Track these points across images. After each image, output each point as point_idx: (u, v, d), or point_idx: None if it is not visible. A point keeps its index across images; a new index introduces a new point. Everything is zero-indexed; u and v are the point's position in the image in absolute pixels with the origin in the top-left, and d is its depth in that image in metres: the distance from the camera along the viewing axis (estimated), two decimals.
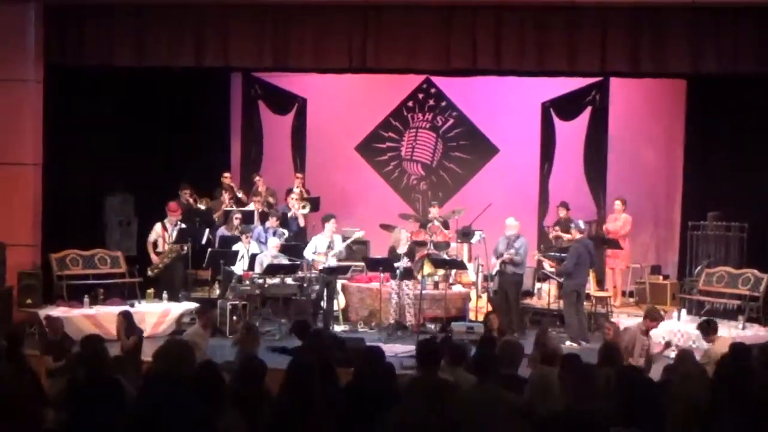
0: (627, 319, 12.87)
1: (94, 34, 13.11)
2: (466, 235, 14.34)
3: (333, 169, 16.62)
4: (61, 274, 12.93)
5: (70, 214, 13.91)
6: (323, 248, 13.38)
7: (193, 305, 13.08)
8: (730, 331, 11.61)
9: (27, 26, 12.91)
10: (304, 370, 6.04)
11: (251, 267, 13.32)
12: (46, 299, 12.69)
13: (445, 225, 14.82)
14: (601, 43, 12.52)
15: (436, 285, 13.81)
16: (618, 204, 14.64)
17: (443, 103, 16.54)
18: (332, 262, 13.30)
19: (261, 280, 13.05)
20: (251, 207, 15.02)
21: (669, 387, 6.94)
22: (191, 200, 14.81)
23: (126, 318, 10.19)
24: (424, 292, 13.15)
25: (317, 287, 13.31)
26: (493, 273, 13.23)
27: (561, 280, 12.93)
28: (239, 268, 13.45)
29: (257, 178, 15.55)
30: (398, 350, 11.44)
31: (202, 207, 14.88)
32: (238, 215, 14.48)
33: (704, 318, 11.09)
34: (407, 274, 13.10)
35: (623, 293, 14.92)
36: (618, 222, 14.51)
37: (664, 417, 6.30)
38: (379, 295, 13.28)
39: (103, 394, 6.01)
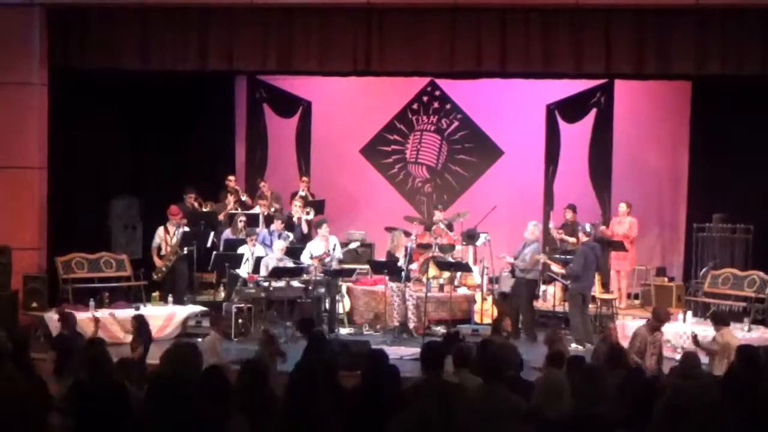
0: (632, 321, 12.85)
1: (99, 37, 13.13)
2: (470, 237, 14.34)
3: (338, 172, 16.63)
4: (67, 277, 12.96)
5: (76, 218, 13.93)
6: (318, 253, 13.41)
7: (199, 308, 13.10)
8: (735, 333, 11.60)
9: (32, 30, 12.94)
10: (308, 374, 6.04)
11: (256, 270, 13.33)
12: (52, 303, 12.69)
13: (450, 227, 14.82)
14: (606, 45, 12.53)
15: (441, 287, 13.82)
16: (623, 207, 14.60)
17: (448, 106, 16.54)
18: (332, 265, 13.35)
19: (266, 283, 13.05)
20: (256, 210, 15.02)
21: (670, 388, 6.92)
22: (196, 204, 14.82)
23: (137, 323, 10.11)
24: (429, 294, 13.15)
25: (322, 290, 13.33)
26: (497, 274, 13.23)
27: (567, 282, 12.92)
28: (244, 271, 13.47)
29: (262, 184, 15.55)
30: (403, 353, 11.43)
31: (206, 210, 14.90)
32: (243, 218, 14.49)
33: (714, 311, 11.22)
34: (407, 277, 13.13)
35: (628, 295, 14.89)
36: (624, 225, 14.48)
37: (665, 418, 6.28)
38: (383, 297, 13.28)
39: (106, 398, 6.01)
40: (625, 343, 10.24)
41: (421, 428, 5.64)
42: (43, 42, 13.02)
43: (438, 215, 14.82)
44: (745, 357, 7.42)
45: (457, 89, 16.32)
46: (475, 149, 16.48)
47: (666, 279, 14.90)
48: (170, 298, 13.20)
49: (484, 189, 16.27)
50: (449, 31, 12.72)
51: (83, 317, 12.15)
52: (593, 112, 15.78)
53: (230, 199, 15.15)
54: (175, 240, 13.67)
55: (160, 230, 13.80)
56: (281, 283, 13.13)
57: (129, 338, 10.28)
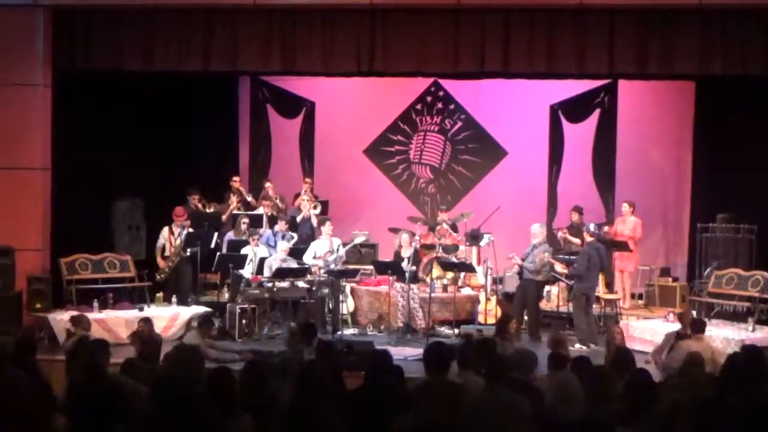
0: (636, 321, 12.85)
1: (103, 38, 13.13)
2: (474, 238, 14.34)
3: (341, 173, 16.63)
4: (71, 278, 12.96)
5: (79, 219, 13.93)
6: (322, 252, 13.41)
7: (203, 309, 13.10)
8: (739, 333, 11.59)
9: (35, 31, 12.93)
10: (313, 375, 6.05)
11: (260, 270, 13.33)
12: (56, 304, 12.69)
13: (454, 228, 14.82)
14: (609, 45, 12.51)
15: (445, 288, 13.80)
16: (626, 207, 14.58)
17: (451, 106, 16.54)
18: (335, 266, 13.37)
19: (270, 284, 13.06)
20: (260, 211, 15.03)
21: (669, 388, 6.92)
22: (199, 205, 14.83)
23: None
24: (433, 295, 13.15)
25: (326, 291, 13.33)
26: (501, 275, 13.22)
27: (571, 282, 12.91)
28: (248, 271, 13.47)
29: (267, 184, 15.55)
30: (407, 353, 11.43)
31: (210, 211, 14.90)
32: (246, 219, 14.49)
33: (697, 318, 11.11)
34: (413, 277, 13.15)
35: (632, 296, 14.88)
36: (628, 225, 14.46)
37: (666, 418, 6.28)
38: (387, 298, 13.28)
39: (100, 399, 5.98)
40: (630, 344, 10.22)
41: (425, 429, 5.64)
42: (47, 43, 13.01)
43: (442, 215, 14.82)
44: (749, 357, 7.41)
45: (460, 90, 16.33)
46: (478, 149, 16.48)
47: (670, 279, 14.89)
48: (174, 299, 13.21)
49: (487, 189, 16.28)
50: (452, 32, 12.71)
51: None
52: (597, 112, 15.76)
53: (233, 199, 15.14)
54: (179, 241, 13.69)
55: (165, 231, 13.82)
56: (285, 284, 13.14)
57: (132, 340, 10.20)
